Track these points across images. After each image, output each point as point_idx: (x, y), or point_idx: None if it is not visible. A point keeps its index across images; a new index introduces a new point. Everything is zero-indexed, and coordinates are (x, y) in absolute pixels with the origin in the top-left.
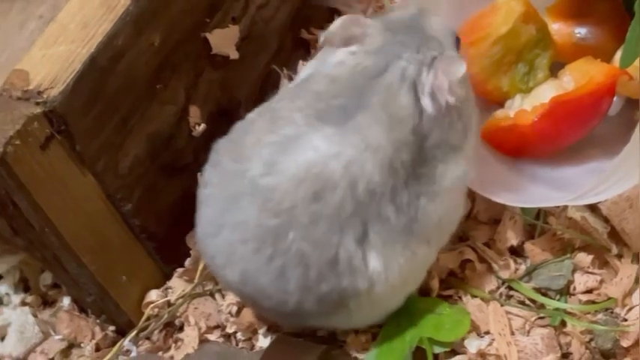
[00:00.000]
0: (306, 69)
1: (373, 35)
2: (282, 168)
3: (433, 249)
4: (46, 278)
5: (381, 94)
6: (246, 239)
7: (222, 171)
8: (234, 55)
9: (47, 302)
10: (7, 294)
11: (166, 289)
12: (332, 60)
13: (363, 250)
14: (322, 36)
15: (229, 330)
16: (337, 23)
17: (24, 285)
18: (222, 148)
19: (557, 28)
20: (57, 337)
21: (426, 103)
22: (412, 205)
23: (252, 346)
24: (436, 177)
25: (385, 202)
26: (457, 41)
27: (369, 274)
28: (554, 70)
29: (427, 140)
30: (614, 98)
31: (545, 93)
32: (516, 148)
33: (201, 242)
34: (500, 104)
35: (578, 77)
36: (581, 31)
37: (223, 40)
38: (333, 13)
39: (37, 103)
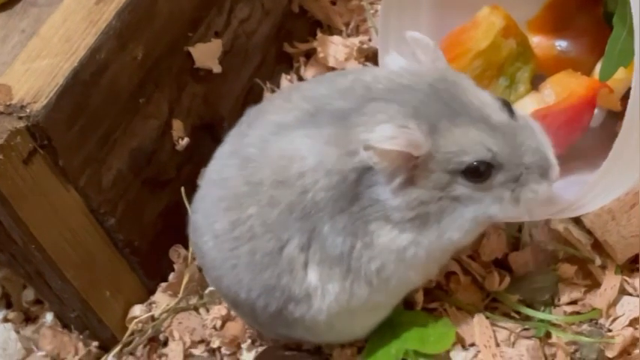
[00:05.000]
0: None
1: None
2: (266, 145)
3: (378, 294)
4: (29, 294)
5: (362, 119)
6: (223, 197)
7: (237, 132)
8: (217, 68)
9: (30, 318)
10: None
11: (150, 303)
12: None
13: (306, 259)
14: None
15: (214, 345)
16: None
17: (6, 301)
18: (249, 112)
19: (538, 42)
20: (40, 354)
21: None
22: (348, 239)
23: None
24: (368, 230)
25: (325, 219)
26: None
27: (306, 285)
28: (536, 82)
29: (366, 190)
30: (596, 111)
31: (527, 106)
32: None
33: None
34: None
35: (559, 90)
36: (561, 44)
37: (206, 54)
38: (316, 27)
39: (20, 118)
